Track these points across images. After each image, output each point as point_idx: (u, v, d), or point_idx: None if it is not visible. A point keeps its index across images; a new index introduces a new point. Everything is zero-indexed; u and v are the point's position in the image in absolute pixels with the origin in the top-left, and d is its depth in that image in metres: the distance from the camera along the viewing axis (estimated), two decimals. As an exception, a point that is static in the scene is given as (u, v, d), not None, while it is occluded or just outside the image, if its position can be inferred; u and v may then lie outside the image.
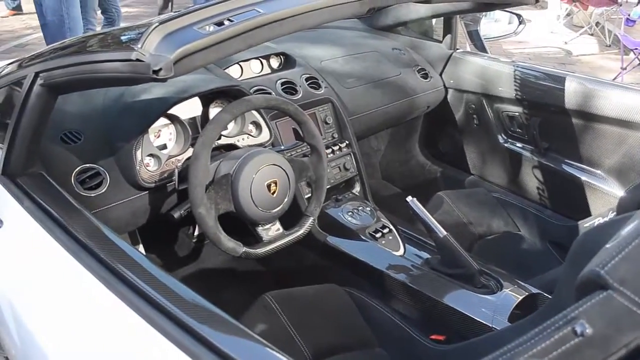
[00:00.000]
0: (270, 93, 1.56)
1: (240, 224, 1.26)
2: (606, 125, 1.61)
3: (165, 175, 1.28)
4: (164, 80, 0.74)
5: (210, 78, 1.46)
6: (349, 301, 1.24)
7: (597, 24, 5.92)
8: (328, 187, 1.44)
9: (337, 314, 1.21)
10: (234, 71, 1.62)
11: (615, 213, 1.36)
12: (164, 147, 1.33)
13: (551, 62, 5.03)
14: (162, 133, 1.33)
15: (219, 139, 1.35)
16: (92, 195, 1.18)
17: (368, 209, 1.58)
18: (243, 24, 0.81)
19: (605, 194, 1.65)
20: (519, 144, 1.92)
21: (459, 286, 1.26)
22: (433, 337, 1.18)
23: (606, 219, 1.45)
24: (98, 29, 3.99)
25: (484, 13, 2.10)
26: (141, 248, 1.55)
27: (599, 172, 1.68)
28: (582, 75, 1.70)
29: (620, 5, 5.54)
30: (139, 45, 0.74)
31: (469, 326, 1.18)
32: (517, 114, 1.86)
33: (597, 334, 0.43)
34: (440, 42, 2.09)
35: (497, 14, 2.16)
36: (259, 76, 1.66)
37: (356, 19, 2.22)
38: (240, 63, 1.64)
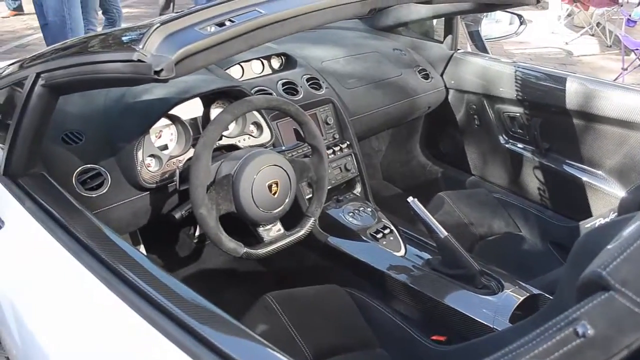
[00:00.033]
0: (271, 93, 1.57)
1: (241, 225, 1.26)
2: (607, 126, 1.61)
3: (167, 175, 1.28)
4: (165, 80, 0.74)
5: (211, 79, 1.46)
6: (349, 302, 1.24)
7: (598, 24, 5.92)
8: (329, 187, 1.44)
9: (338, 315, 1.21)
10: (235, 72, 1.62)
11: (616, 214, 1.36)
12: (165, 147, 1.33)
13: (552, 63, 5.03)
14: (163, 133, 1.33)
15: (220, 139, 1.35)
16: (93, 195, 1.18)
17: (369, 209, 1.58)
18: (244, 24, 0.81)
19: (606, 195, 1.65)
20: (520, 145, 1.92)
21: (460, 287, 1.26)
22: (434, 337, 1.18)
23: (607, 219, 1.45)
24: (99, 29, 3.99)
25: (485, 14, 2.10)
26: (142, 248, 1.55)
27: (600, 172, 1.68)
28: (583, 76, 1.70)
29: (621, 5, 5.54)
30: (141, 46, 0.74)
31: (470, 327, 1.18)
32: (518, 114, 1.86)
33: (598, 335, 0.43)
34: (441, 42, 2.09)
35: (498, 14, 2.16)
36: (260, 77, 1.66)
37: (357, 20, 2.22)
38: (241, 63, 1.64)
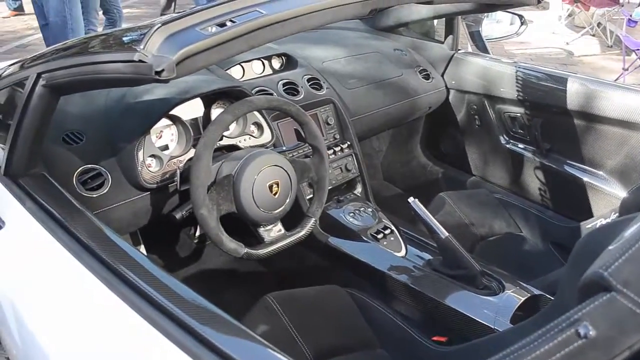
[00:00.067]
0: (271, 94, 1.56)
1: (241, 225, 1.26)
2: (608, 126, 1.61)
3: (167, 176, 1.28)
4: (166, 81, 0.74)
5: (212, 79, 1.46)
6: (350, 302, 1.24)
7: (599, 24, 5.92)
8: (330, 188, 1.44)
9: (339, 315, 1.21)
10: (235, 72, 1.62)
11: (617, 214, 1.36)
12: (166, 147, 1.33)
13: (553, 63, 5.03)
14: (164, 134, 1.33)
15: (221, 139, 1.35)
16: (94, 195, 1.18)
17: (370, 209, 1.58)
18: (245, 25, 0.81)
19: (607, 195, 1.65)
20: (520, 145, 1.92)
21: (461, 287, 1.25)
22: (435, 338, 1.18)
23: (608, 220, 1.45)
24: (99, 29, 4.00)
25: (485, 14, 2.10)
26: (143, 249, 1.55)
27: (601, 173, 1.68)
28: (584, 76, 1.70)
29: (622, 5, 5.54)
30: (142, 46, 0.74)
31: (471, 328, 1.18)
32: (518, 114, 1.86)
33: (600, 336, 0.42)
34: (442, 42, 2.09)
35: (499, 14, 2.16)
36: (261, 77, 1.66)
37: (358, 20, 2.22)
38: (242, 64, 1.64)
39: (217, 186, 1.18)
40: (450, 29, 2.03)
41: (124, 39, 0.90)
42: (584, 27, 5.95)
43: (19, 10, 6.16)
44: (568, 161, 1.76)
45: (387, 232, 1.48)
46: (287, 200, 1.26)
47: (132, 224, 1.30)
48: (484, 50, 2.14)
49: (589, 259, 0.50)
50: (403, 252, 1.44)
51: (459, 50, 2.06)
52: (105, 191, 1.19)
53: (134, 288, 0.78)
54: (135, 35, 0.86)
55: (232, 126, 1.44)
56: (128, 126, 1.24)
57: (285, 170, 1.25)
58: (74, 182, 1.16)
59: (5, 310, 1.02)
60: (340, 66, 1.84)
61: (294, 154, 1.50)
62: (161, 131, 1.32)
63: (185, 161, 1.32)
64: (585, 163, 1.71)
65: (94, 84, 0.98)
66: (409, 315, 1.29)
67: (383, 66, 1.93)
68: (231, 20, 0.82)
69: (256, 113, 1.45)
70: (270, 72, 1.73)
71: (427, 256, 1.40)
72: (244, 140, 1.44)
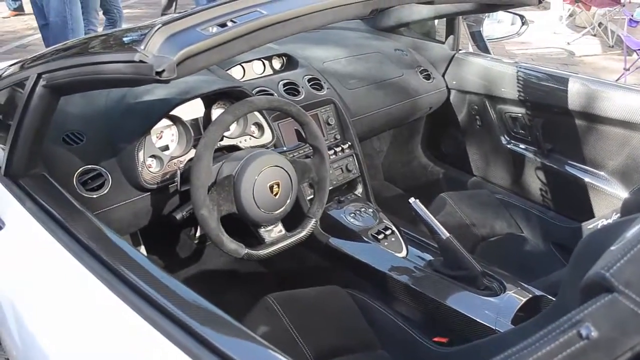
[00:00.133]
0: (272, 94, 1.56)
1: (242, 226, 1.26)
2: (609, 127, 1.61)
3: (168, 176, 1.28)
4: (167, 81, 0.74)
5: (212, 79, 1.46)
6: (351, 303, 1.24)
7: (600, 24, 5.91)
8: (330, 188, 1.44)
9: (340, 316, 1.21)
10: (236, 72, 1.62)
11: (619, 215, 1.36)
12: (166, 148, 1.33)
13: (554, 63, 5.02)
14: (165, 134, 1.33)
15: (221, 140, 1.35)
16: (94, 196, 1.18)
17: (370, 210, 1.58)
18: (246, 25, 0.81)
19: (608, 196, 1.65)
20: (521, 145, 1.91)
21: (462, 288, 1.25)
22: (436, 339, 1.18)
23: (610, 220, 1.45)
24: (100, 29, 4.00)
25: (486, 14, 2.10)
26: (143, 249, 1.55)
27: (602, 173, 1.68)
28: (585, 76, 1.70)
29: (623, 5, 5.53)
30: (142, 47, 0.74)
31: (472, 328, 1.18)
32: (520, 115, 1.86)
33: (602, 337, 0.42)
34: (443, 43, 2.08)
35: (500, 14, 2.15)
36: (261, 77, 1.66)
37: (359, 20, 2.22)
38: (243, 64, 1.64)
39: (218, 187, 1.18)
40: (451, 29, 2.03)
41: (125, 39, 0.90)
42: (585, 27, 5.95)
43: (19, 10, 6.17)
44: (569, 161, 1.76)
45: (387, 232, 1.48)
46: (288, 201, 1.26)
47: (132, 224, 1.30)
48: (485, 50, 2.14)
49: (591, 259, 0.50)
50: (404, 253, 1.44)
51: (460, 50, 2.06)
52: (105, 192, 1.19)
53: (135, 289, 0.78)
54: (135, 36, 0.86)
55: (233, 126, 1.44)
56: (128, 126, 1.24)
57: (286, 171, 1.25)
58: (74, 182, 1.16)
59: (5, 311, 1.02)
60: (341, 66, 1.84)
61: (295, 154, 1.50)
62: (161, 131, 1.32)
63: (185, 162, 1.32)
64: (587, 163, 1.71)
65: (94, 84, 0.98)
66: (409, 316, 1.29)
67: (384, 66, 1.93)
68: (232, 21, 0.81)
69: (257, 113, 1.45)
70: (271, 72, 1.73)
71: (428, 257, 1.40)
72: (245, 140, 1.44)
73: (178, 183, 1.25)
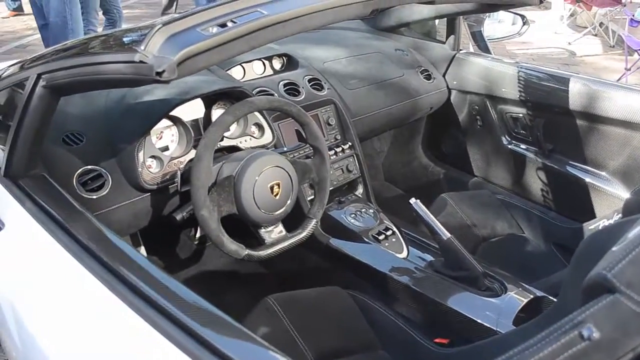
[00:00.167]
0: (272, 94, 1.56)
1: (242, 226, 1.25)
2: (610, 127, 1.60)
3: (168, 177, 1.28)
4: (167, 82, 0.74)
5: (212, 79, 1.45)
6: (351, 304, 1.24)
7: (601, 24, 5.91)
8: (331, 189, 1.44)
9: (340, 317, 1.21)
10: (236, 72, 1.62)
11: (620, 215, 1.35)
12: (166, 148, 1.33)
13: (555, 63, 5.02)
14: (165, 135, 1.33)
15: (222, 140, 1.35)
16: (94, 197, 1.18)
17: (371, 211, 1.58)
18: (246, 25, 0.81)
19: (610, 196, 1.64)
20: (522, 146, 1.91)
21: (463, 289, 1.25)
22: (437, 340, 1.18)
23: (611, 221, 1.44)
24: (99, 30, 4.00)
25: (487, 14, 2.10)
26: (143, 250, 1.55)
27: (603, 173, 1.67)
28: (586, 76, 1.70)
29: (624, 5, 5.52)
30: (142, 47, 0.74)
31: (473, 329, 1.17)
32: (520, 115, 1.86)
33: (604, 338, 0.42)
34: (444, 43, 2.08)
35: (501, 14, 2.15)
36: (262, 77, 1.66)
37: (359, 20, 2.22)
38: (243, 64, 1.64)
39: (218, 187, 1.18)
40: (451, 29, 2.03)
41: (125, 39, 0.90)
42: (586, 27, 5.94)
43: (19, 10, 6.17)
44: (570, 162, 1.76)
45: (388, 233, 1.48)
46: (288, 202, 1.26)
47: (132, 225, 1.30)
48: (486, 50, 2.13)
49: (592, 260, 0.50)
50: (405, 254, 1.43)
51: (461, 50, 2.06)
52: (105, 192, 1.19)
53: (135, 290, 0.78)
54: (135, 36, 0.85)
55: (233, 127, 1.43)
56: (128, 127, 1.24)
57: (287, 171, 1.25)
58: (74, 183, 1.16)
59: (5, 312, 1.01)
60: (341, 66, 1.84)
61: (295, 154, 1.50)
62: (161, 132, 1.32)
63: (185, 162, 1.32)
64: (588, 164, 1.71)
65: (94, 84, 0.98)
66: (410, 317, 1.29)
67: (384, 66, 1.93)
68: (232, 21, 0.81)
69: (257, 114, 1.45)
70: (271, 72, 1.73)
71: (429, 257, 1.40)
72: (245, 141, 1.44)
73: (178, 184, 1.25)
